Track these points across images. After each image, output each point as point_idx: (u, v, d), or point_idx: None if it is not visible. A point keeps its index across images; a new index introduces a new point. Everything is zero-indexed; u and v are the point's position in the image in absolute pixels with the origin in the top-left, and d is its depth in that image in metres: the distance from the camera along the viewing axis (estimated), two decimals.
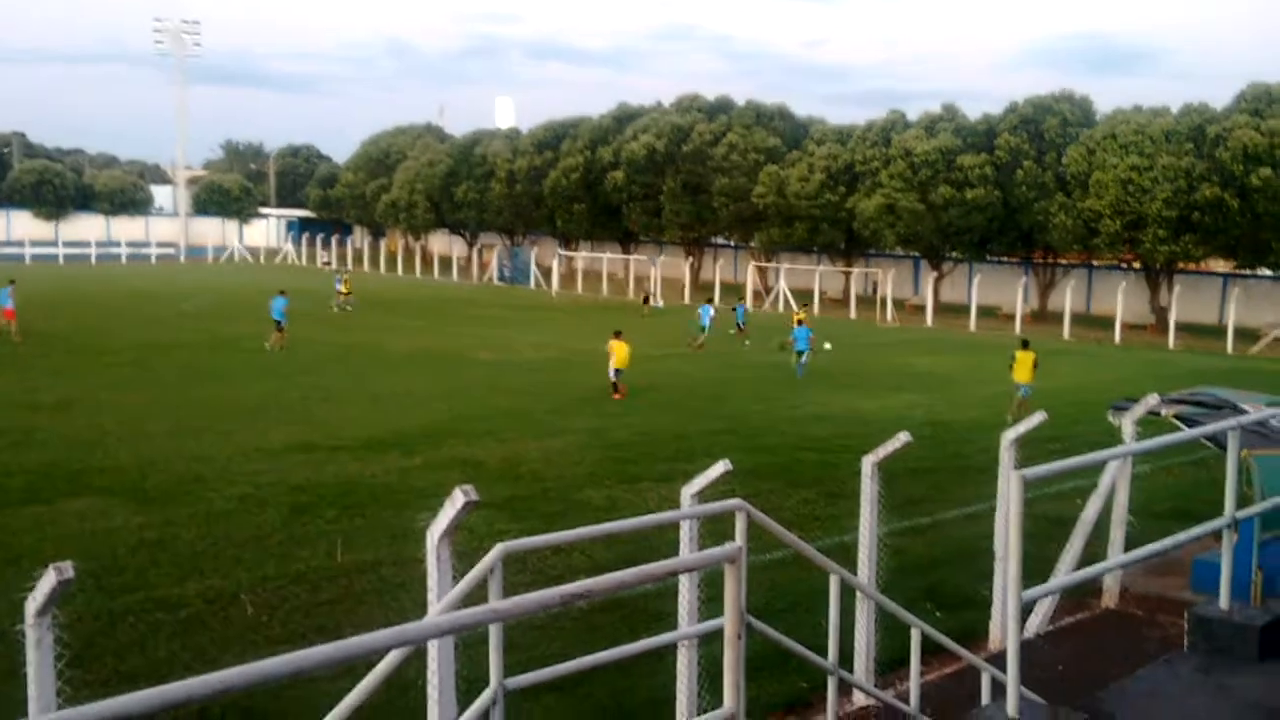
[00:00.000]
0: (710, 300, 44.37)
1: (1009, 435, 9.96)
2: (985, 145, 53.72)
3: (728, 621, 3.41)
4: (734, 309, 42.71)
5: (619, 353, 26.13)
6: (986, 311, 51.79)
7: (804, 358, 30.90)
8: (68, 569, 4.55)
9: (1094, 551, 10.96)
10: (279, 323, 33.30)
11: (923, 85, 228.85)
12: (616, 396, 25.62)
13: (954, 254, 57.45)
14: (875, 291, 56.71)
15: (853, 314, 53.65)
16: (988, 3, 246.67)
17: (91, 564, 11.85)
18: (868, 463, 8.53)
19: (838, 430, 22.01)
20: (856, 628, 8.33)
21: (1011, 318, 49.40)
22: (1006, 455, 9.94)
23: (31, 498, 15.08)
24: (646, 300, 55.02)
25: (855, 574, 8.35)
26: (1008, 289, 53.55)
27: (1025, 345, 25.12)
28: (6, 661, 9.36)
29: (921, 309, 53.59)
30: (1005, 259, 58.70)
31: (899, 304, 54.58)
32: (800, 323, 33.64)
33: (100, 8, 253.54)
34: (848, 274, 59.34)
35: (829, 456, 19.23)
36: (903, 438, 8.41)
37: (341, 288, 49.21)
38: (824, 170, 58.10)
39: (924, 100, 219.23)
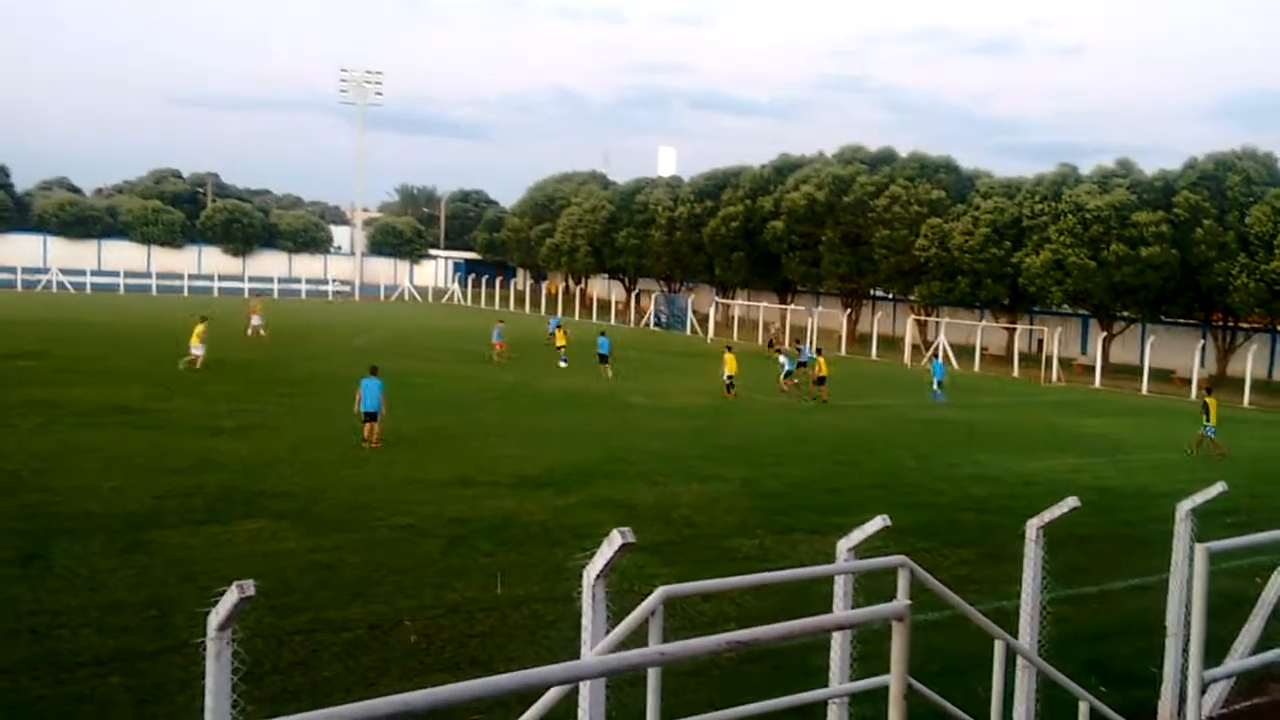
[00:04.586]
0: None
1: (1185, 506, 9.51)
2: (1162, 202, 51.68)
3: (894, 681, 3.37)
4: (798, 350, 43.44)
5: (730, 363, 35.33)
6: (1160, 374, 49.57)
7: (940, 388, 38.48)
8: (249, 587, 4.73)
9: (1273, 633, 10.32)
10: (604, 357, 39.99)
11: (1095, 139, 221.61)
12: (730, 395, 34.75)
13: (1126, 313, 55.29)
14: (1040, 349, 55.01)
15: (1015, 372, 52.10)
16: (1166, 57, 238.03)
17: (263, 584, 12.38)
18: (1032, 526, 8.26)
19: (998, 491, 21.36)
20: (1015, 698, 8.05)
21: (1187, 382, 47.12)
22: (1182, 527, 9.48)
23: (210, 518, 15.91)
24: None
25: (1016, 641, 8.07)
26: (1183, 351, 51.16)
27: (1209, 391, 30.82)
28: (182, 672, 9.88)
29: (1090, 369, 51.70)
30: (1181, 320, 56.15)
31: (1065, 363, 52.80)
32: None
33: (291, 59, 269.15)
34: (1011, 330, 57.73)
35: (988, 518, 18.67)
36: (1070, 502, 8.11)
37: (558, 338, 45.39)
38: (989, 224, 56.85)
39: (1097, 155, 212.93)
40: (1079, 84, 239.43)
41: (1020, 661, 7.61)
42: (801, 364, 40.72)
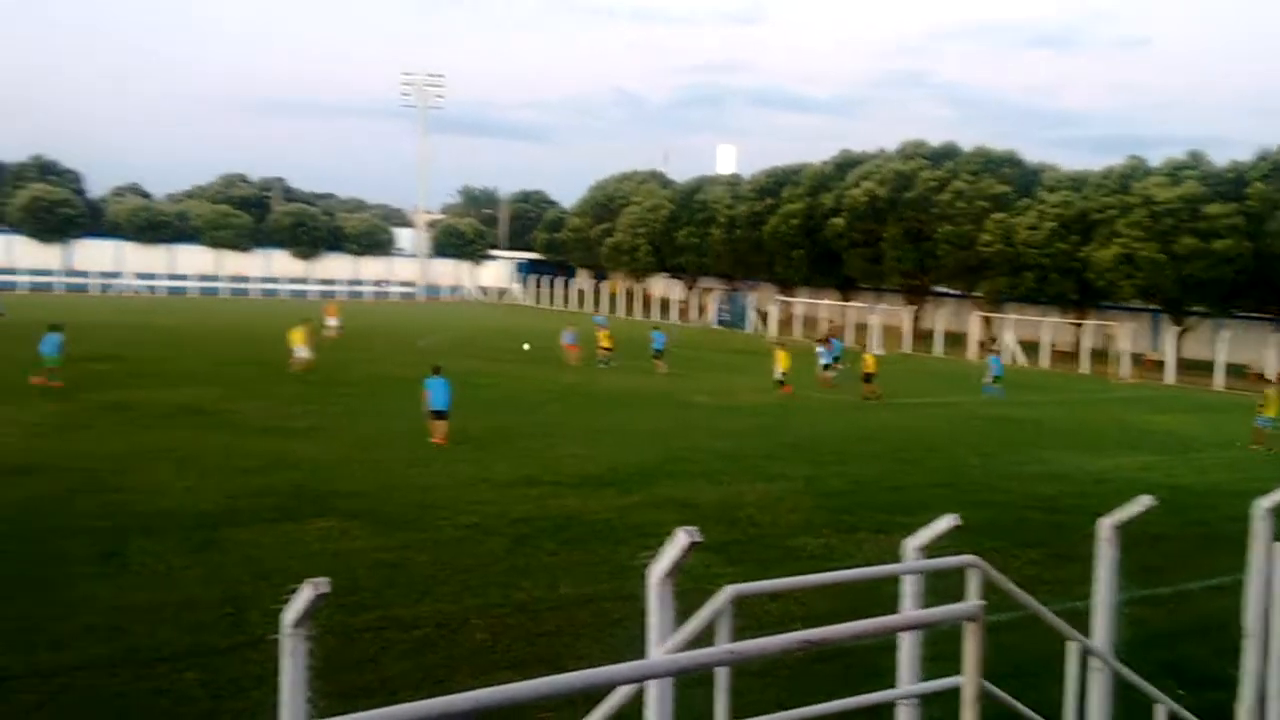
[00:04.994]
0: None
1: (1263, 503, 9.27)
2: (1234, 194, 50.46)
3: (967, 682, 3.33)
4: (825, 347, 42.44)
5: (782, 359, 35.65)
6: (1234, 370, 48.40)
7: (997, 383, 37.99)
8: (324, 584, 4.78)
9: None
10: (659, 351, 40.45)
11: (1163, 130, 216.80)
12: (786, 390, 34.74)
13: (1198, 308, 54.05)
14: (1109, 345, 54.02)
15: (1084, 368, 51.20)
16: (1233, 47, 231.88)
17: (333, 581, 12.58)
18: (1105, 525, 8.09)
19: (1067, 489, 21.02)
20: (1089, 700, 7.91)
21: (1263, 377, 45.97)
22: (1261, 525, 9.25)
23: (282, 516, 16.20)
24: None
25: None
26: (1258, 346, 49.90)
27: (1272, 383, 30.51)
28: (257, 668, 10.08)
29: (1160, 365, 50.64)
30: (1256, 314, 54.76)
31: (1135, 359, 51.76)
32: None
33: (354, 64, 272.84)
34: (1079, 326, 56.73)
35: (1058, 517, 18.39)
36: (1145, 501, 7.93)
37: (602, 339, 42.45)
38: (1056, 218, 55.94)
39: (1165, 146, 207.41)
40: (1145, 75, 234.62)
41: (1094, 663, 7.48)
42: (836, 357, 40.59)
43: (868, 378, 35.08)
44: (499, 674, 10.18)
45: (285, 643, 4.93)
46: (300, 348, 35.30)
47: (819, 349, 40.64)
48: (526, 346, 43.48)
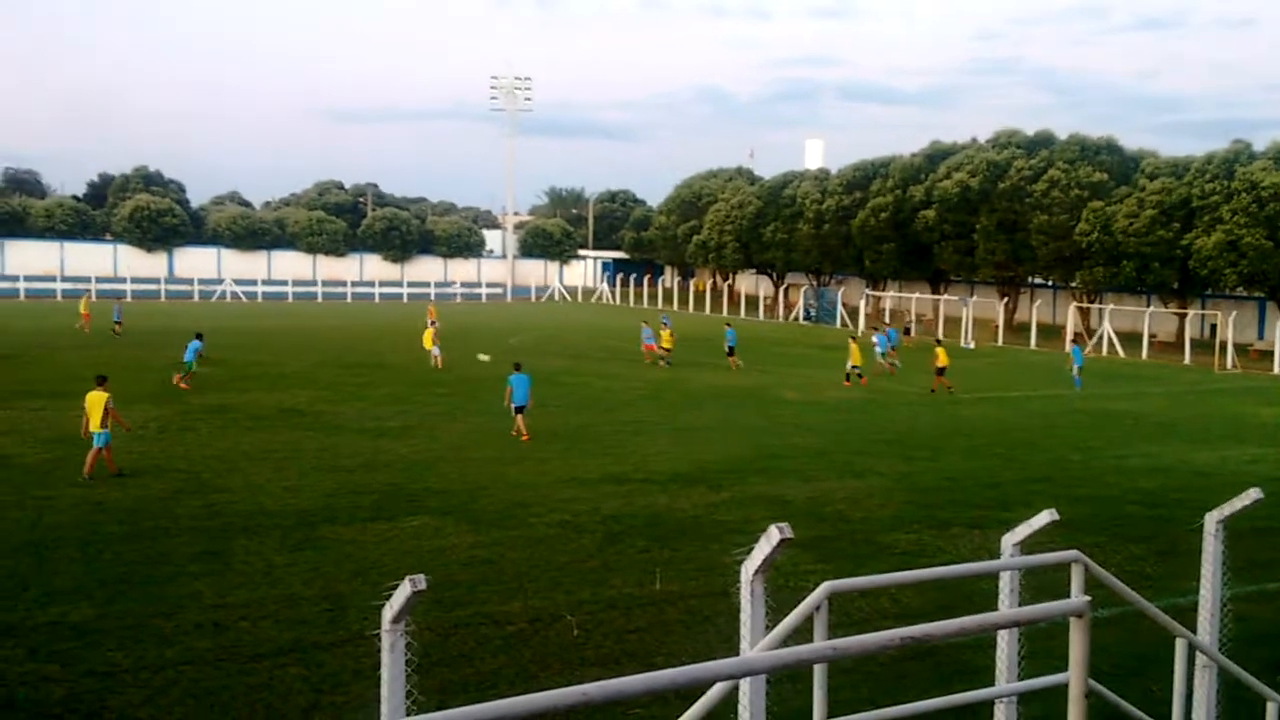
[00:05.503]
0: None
1: None
2: None
3: (1074, 679, 3.25)
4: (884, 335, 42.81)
5: (854, 353, 35.20)
6: None
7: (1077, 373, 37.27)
8: (421, 581, 4.88)
9: None
10: (732, 348, 40.13)
11: (1270, 113, 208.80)
12: (847, 385, 34.92)
13: None
14: (1213, 335, 52.30)
15: (1187, 359, 49.67)
16: None
17: (428, 578, 12.80)
18: (1211, 519, 7.85)
19: (1170, 483, 20.42)
20: (1195, 698, 7.68)
21: None
22: None
23: (377, 515, 16.52)
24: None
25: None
26: None
27: None
28: (355, 663, 10.29)
29: (1268, 355, 48.87)
30: None
31: (1241, 349, 50.03)
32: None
33: (443, 71, 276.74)
34: (1181, 316, 55.02)
35: (1161, 511, 17.88)
36: (1253, 494, 7.68)
37: (663, 339, 41.41)
38: (1156, 205, 54.29)
39: (1272, 130, 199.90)
40: (1250, 57, 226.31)
41: (1200, 660, 7.26)
42: (894, 347, 41.52)
43: (940, 370, 34.37)
44: (590, 670, 10.25)
45: (385, 638, 5.03)
46: (432, 348, 38.03)
47: (875, 339, 41.53)
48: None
